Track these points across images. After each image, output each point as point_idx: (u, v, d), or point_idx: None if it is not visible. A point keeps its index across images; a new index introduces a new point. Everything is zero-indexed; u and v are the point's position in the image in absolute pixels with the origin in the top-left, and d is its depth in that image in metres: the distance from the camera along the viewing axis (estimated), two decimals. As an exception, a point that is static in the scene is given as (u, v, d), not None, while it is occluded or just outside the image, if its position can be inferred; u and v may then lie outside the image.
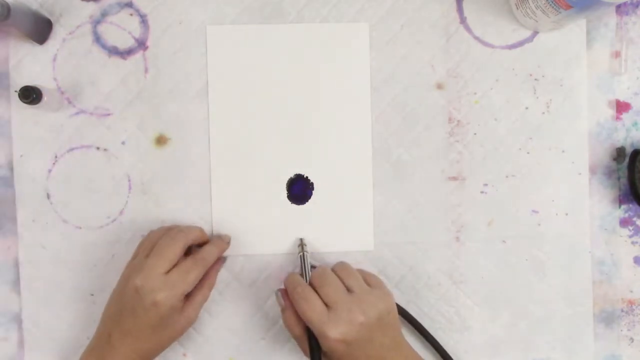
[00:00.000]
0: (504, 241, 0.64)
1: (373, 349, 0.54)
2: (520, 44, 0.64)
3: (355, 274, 0.57)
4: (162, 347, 0.58)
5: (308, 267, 0.59)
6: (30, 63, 0.62)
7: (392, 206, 0.64)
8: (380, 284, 0.58)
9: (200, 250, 0.59)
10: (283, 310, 0.57)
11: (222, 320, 0.63)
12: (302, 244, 0.61)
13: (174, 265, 0.56)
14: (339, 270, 0.57)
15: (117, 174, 0.63)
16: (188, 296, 0.57)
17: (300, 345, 0.57)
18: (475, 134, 0.64)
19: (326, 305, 0.54)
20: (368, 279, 0.57)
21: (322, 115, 0.63)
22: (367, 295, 0.55)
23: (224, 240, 0.62)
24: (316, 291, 0.55)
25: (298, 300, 0.54)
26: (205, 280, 0.59)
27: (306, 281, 0.57)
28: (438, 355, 0.63)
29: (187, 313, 0.58)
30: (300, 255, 0.60)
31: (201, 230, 0.61)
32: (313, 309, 0.53)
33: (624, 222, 0.64)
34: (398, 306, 0.60)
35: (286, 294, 0.57)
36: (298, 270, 0.61)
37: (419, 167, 0.64)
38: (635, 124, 0.64)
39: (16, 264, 0.63)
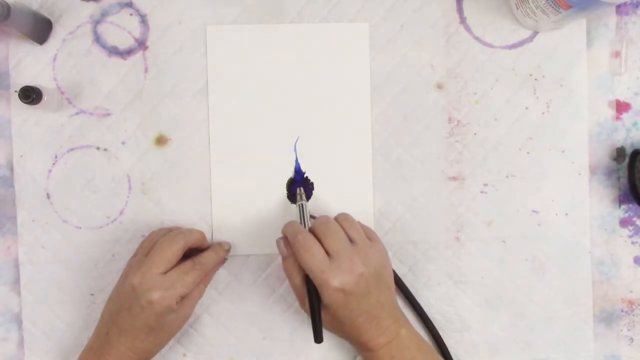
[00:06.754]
0: (504, 241, 0.64)
1: (368, 304, 0.55)
2: (520, 44, 0.64)
3: (357, 226, 0.57)
4: (159, 347, 0.58)
5: (307, 216, 0.59)
6: (30, 63, 0.62)
7: (392, 206, 0.64)
8: (379, 240, 0.58)
9: (200, 255, 0.59)
10: (284, 259, 0.57)
11: (222, 320, 0.63)
12: (300, 193, 0.61)
13: (173, 267, 0.56)
14: (342, 220, 0.57)
15: (117, 174, 0.63)
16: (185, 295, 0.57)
17: (298, 296, 0.57)
18: (475, 134, 0.64)
19: (328, 254, 0.54)
20: (368, 233, 0.58)
21: (322, 115, 0.63)
22: (367, 247, 0.56)
23: (223, 248, 0.61)
24: (319, 240, 0.54)
25: (299, 249, 0.54)
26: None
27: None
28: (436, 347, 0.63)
29: (183, 311, 0.58)
30: (300, 205, 0.60)
31: (201, 233, 0.61)
32: (314, 257, 0.53)
33: (624, 222, 0.64)
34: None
35: (288, 242, 0.56)
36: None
37: (419, 167, 0.64)
38: (635, 124, 0.64)
39: (16, 264, 0.63)
